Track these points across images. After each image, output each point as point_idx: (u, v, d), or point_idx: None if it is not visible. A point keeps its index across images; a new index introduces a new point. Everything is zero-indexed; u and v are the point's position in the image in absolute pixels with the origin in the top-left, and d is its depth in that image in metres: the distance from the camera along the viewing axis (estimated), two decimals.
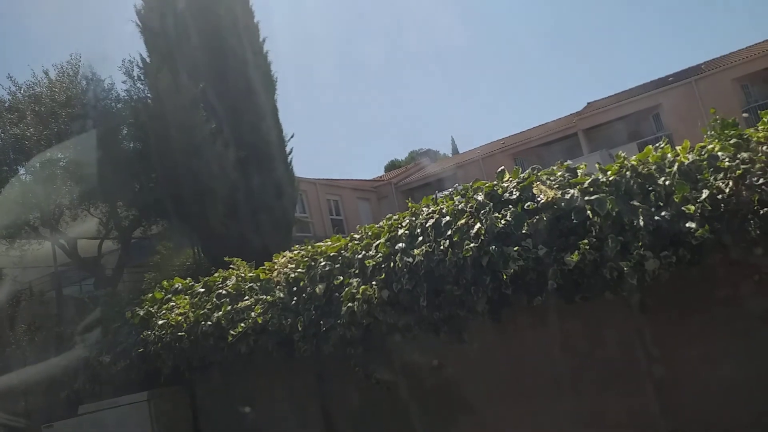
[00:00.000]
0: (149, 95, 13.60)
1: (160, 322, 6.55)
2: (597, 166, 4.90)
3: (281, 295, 6.03)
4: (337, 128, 78.82)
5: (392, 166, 48.98)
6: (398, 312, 5.20)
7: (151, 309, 6.94)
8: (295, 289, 6.11)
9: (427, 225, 5.20)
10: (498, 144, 33.18)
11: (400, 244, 5.29)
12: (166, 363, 6.49)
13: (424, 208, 5.60)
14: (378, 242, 5.60)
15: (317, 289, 5.81)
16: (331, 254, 6.14)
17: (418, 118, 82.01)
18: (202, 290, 6.70)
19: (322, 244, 6.51)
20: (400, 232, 5.45)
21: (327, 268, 5.94)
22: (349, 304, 5.42)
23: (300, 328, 5.70)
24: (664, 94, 27.23)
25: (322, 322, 5.61)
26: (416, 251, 5.03)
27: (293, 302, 5.96)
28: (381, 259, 5.35)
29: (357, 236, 6.16)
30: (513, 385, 5.15)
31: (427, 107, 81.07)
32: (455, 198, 5.34)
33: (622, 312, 4.61)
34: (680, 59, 58.90)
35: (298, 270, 6.23)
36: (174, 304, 6.70)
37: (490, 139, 39.65)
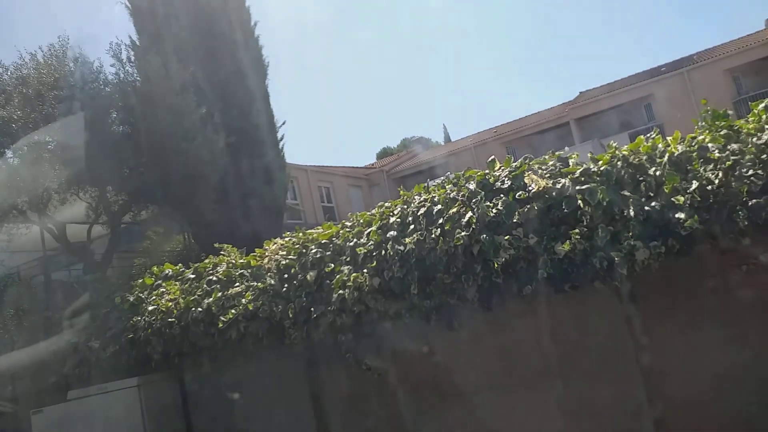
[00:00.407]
0: (138, 78, 13.43)
1: (151, 308, 6.51)
2: (589, 155, 4.91)
3: (272, 281, 6.01)
4: (329, 115, 78.47)
5: (384, 153, 48.87)
6: (389, 299, 5.21)
7: (141, 295, 6.90)
8: (286, 276, 6.09)
9: (418, 213, 5.19)
10: (490, 132, 33.19)
11: (392, 232, 5.29)
12: (156, 349, 6.45)
13: (416, 197, 5.60)
14: (369, 230, 5.59)
15: (308, 276, 5.80)
16: (323, 241, 6.13)
17: (410, 106, 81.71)
18: (193, 276, 6.68)
19: (313, 231, 6.50)
20: (392, 220, 5.45)
21: (318, 256, 5.92)
22: (340, 292, 5.41)
23: (291, 315, 5.69)
24: (656, 84, 27.31)
25: (312, 309, 5.60)
26: (408, 239, 5.03)
27: (284, 289, 5.94)
28: (372, 246, 5.35)
29: (348, 224, 6.16)
30: (503, 373, 5.20)
31: (419, 95, 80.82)
32: (447, 186, 5.34)
33: (611, 301, 4.64)
34: (673, 49, 59.11)
35: (290, 257, 6.22)
36: (164, 290, 6.66)
37: (482, 127, 39.61)
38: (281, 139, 15.50)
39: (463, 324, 5.23)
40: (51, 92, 11.69)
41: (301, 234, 6.48)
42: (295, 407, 6.27)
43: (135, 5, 13.60)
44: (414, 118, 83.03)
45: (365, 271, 5.30)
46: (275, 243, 6.67)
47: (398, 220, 5.37)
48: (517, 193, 4.65)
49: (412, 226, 5.21)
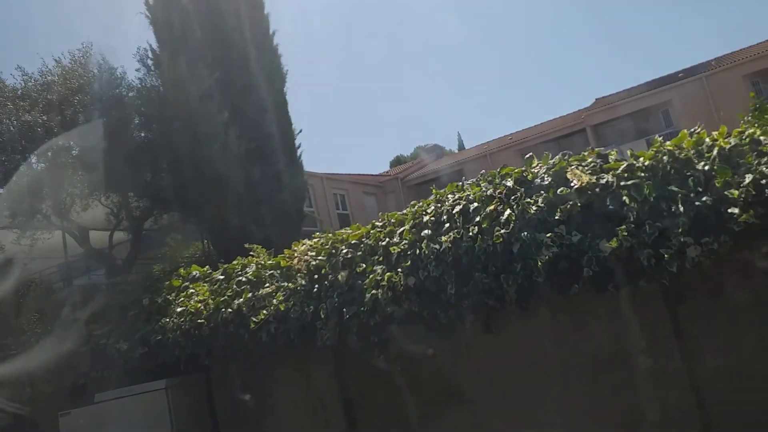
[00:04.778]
0: (159, 85, 13.50)
1: (179, 309, 6.47)
2: (629, 153, 4.81)
3: (303, 282, 5.95)
4: (342, 124, 78.71)
5: (397, 161, 48.88)
6: (424, 300, 5.12)
7: (168, 297, 6.87)
8: (316, 276, 6.02)
9: (453, 211, 5.11)
10: (506, 139, 33.10)
11: (426, 231, 5.20)
12: (185, 351, 6.41)
13: (449, 195, 5.52)
14: (402, 229, 5.51)
15: (339, 277, 5.73)
16: (353, 242, 6.07)
17: (423, 114, 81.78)
18: (222, 277, 6.63)
19: (342, 231, 6.43)
20: (426, 218, 5.37)
21: (349, 256, 5.86)
22: (373, 291, 5.33)
23: (322, 316, 5.62)
24: (673, 91, 27.08)
25: (344, 309, 5.52)
26: (444, 238, 4.94)
27: (315, 290, 5.87)
28: (407, 246, 5.27)
29: (379, 224, 6.08)
30: (542, 376, 5.05)
31: (433, 103, 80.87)
32: (482, 184, 5.25)
33: (655, 301, 4.52)
34: (688, 56, 58.68)
35: (319, 257, 6.15)
36: (193, 291, 6.62)
37: (496, 135, 39.52)
38: (299, 146, 15.55)
39: (500, 326, 5.13)
40: (75, 97, 11.76)
41: (330, 234, 6.42)
42: (325, 409, 6.18)
43: (155, 15, 13.67)
44: (427, 126, 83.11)
45: (399, 270, 5.21)
46: (304, 244, 6.61)
47: (432, 218, 5.28)
48: (558, 190, 4.55)
49: (447, 225, 5.12)
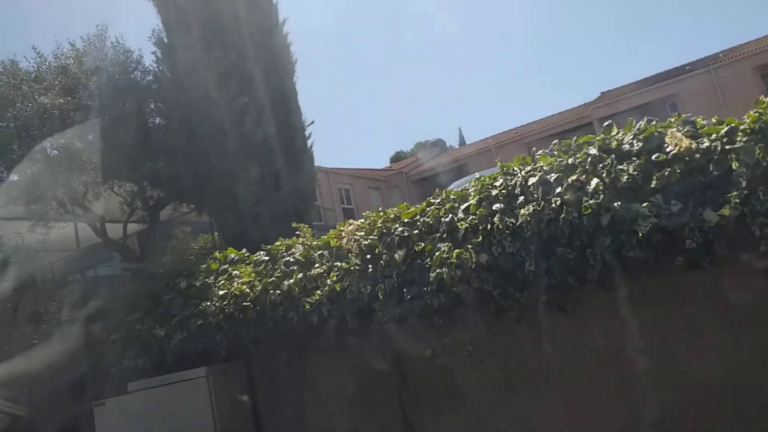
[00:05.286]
0: (170, 70, 13.10)
1: (221, 293, 6.12)
2: (714, 119, 4.50)
3: (357, 261, 5.61)
4: (340, 120, 78.15)
5: (398, 157, 48.64)
6: (496, 278, 4.79)
7: (206, 280, 6.52)
8: (368, 256, 5.69)
9: (529, 183, 4.78)
10: (510, 134, 32.86)
11: (498, 205, 4.88)
12: (227, 336, 6.07)
13: (516, 168, 5.21)
14: (467, 204, 5.17)
15: (396, 256, 5.39)
16: (406, 220, 5.75)
17: (423, 110, 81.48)
18: (267, 258, 6.28)
19: (391, 210, 6.12)
20: (494, 192, 5.04)
21: (405, 234, 5.53)
22: (438, 270, 5.00)
23: (381, 297, 5.29)
24: (681, 83, 26.86)
25: (405, 290, 5.19)
26: (522, 211, 4.61)
27: (369, 270, 5.55)
28: (476, 221, 4.94)
29: (436, 200, 5.77)
30: (626, 362, 4.70)
31: (433, 98, 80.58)
32: (557, 154, 4.94)
33: (756, 277, 4.21)
34: (692, 51, 58.52)
35: (371, 237, 5.82)
36: (237, 272, 6.26)
37: (497, 130, 39.25)
38: (309, 137, 15.19)
39: (577, 306, 4.81)
40: (91, 80, 11.34)
41: (382, 213, 6.09)
42: (378, 398, 5.84)
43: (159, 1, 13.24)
44: (427, 122, 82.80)
45: (469, 246, 4.89)
46: (351, 224, 6.28)
47: (504, 191, 4.96)
48: (654, 156, 4.23)
49: (521, 198, 4.79)
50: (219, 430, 6.00)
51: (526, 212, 4.57)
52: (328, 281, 5.55)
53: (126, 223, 12.71)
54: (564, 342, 4.95)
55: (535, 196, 4.67)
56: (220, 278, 6.41)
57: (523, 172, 4.94)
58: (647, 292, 4.52)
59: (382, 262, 5.51)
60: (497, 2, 66.86)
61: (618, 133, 4.74)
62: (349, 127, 79.06)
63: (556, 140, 5.18)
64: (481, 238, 4.82)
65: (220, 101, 12.86)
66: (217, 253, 7.05)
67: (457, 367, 5.38)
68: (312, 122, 14.50)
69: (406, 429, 5.69)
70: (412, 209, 5.88)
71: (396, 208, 6.16)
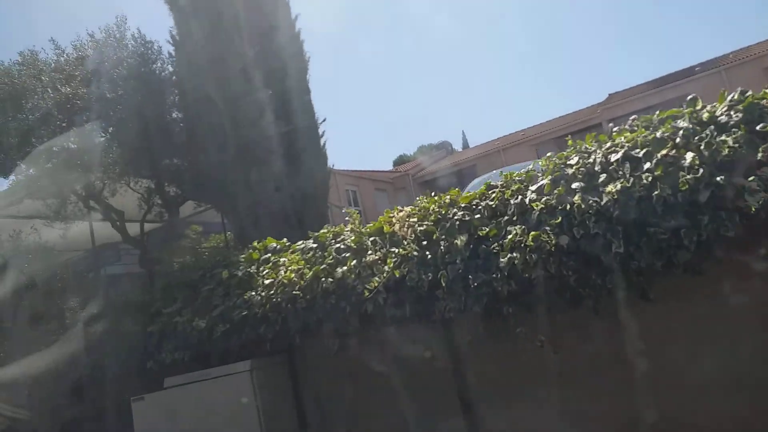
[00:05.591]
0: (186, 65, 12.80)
1: (267, 282, 5.78)
2: None
3: (415, 247, 5.29)
4: (343, 123, 77.98)
5: (401, 160, 48.46)
6: (577, 262, 4.48)
7: (249, 269, 6.18)
8: (425, 242, 5.38)
9: (612, 160, 4.48)
10: (517, 135, 32.68)
11: (578, 184, 4.57)
12: (273, 327, 5.73)
13: (590, 146, 4.92)
14: (539, 184, 4.86)
15: (458, 242, 5.08)
16: (464, 205, 5.44)
17: (426, 113, 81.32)
18: (315, 245, 5.95)
19: (446, 195, 5.82)
20: (570, 171, 4.73)
21: (467, 218, 5.22)
22: (510, 255, 4.69)
23: (443, 284, 4.97)
24: (691, 84, 26.63)
25: (470, 276, 4.87)
26: (609, 188, 4.30)
27: (429, 256, 5.23)
28: (554, 201, 4.63)
29: (498, 182, 5.47)
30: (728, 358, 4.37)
31: (436, 102, 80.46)
32: (640, 128, 4.64)
33: None
34: (699, 52, 58.34)
35: (426, 223, 5.52)
36: (284, 260, 5.93)
37: (501, 133, 39.14)
38: (322, 135, 14.91)
39: (661, 294, 4.48)
40: (115, 70, 10.99)
41: (435, 198, 5.79)
42: (436, 391, 5.50)
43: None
44: (429, 126, 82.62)
45: (547, 229, 4.57)
46: (402, 210, 5.98)
47: (582, 169, 4.65)
48: (759, 126, 3.94)
49: (603, 176, 4.49)
50: (265, 429, 5.64)
51: (614, 189, 4.26)
52: (386, 268, 5.23)
53: (143, 220, 12.35)
54: (646, 333, 4.62)
55: (621, 173, 4.36)
56: (265, 267, 6.08)
57: (602, 149, 4.64)
58: (743, 276, 4.21)
59: (442, 248, 5.20)
60: (500, 5, 66.79)
61: (703, 107, 4.44)
62: (352, 131, 78.82)
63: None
64: (560, 219, 4.50)
65: (240, 95, 12.61)
66: (255, 243, 6.71)
67: (525, 359, 5.06)
68: (324, 120, 14.25)
69: (467, 423, 5.36)
70: (470, 194, 5.58)
71: (449, 193, 5.87)
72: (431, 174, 33.37)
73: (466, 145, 49.13)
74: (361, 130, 78.93)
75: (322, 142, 14.95)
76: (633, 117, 4.85)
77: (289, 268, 5.70)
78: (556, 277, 4.56)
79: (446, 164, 33.33)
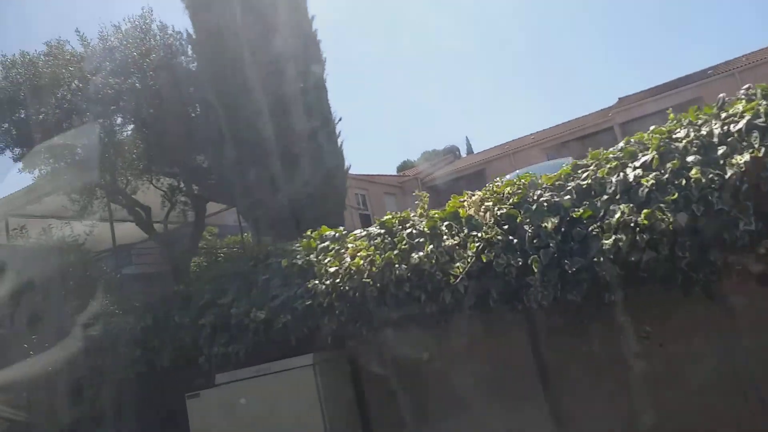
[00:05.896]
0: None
1: (332, 269, 5.37)
2: None
3: (499, 231, 4.89)
4: (345, 127, 77.55)
5: (404, 166, 48.17)
6: (695, 242, 4.07)
7: (308, 257, 5.76)
8: (506, 227, 4.98)
9: (733, 129, 4.10)
10: (528, 139, 32.42)
11: (693, 157, 4.19)
12: (338, 318, 5.31)
13: (696, 119, 4.55)
14: (645, 159, 4.46)
15: (549, 224, 4.68)
16: (547, 185, 5.06)
17: (429, 119, 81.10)
18: (382, 231, 5.54)
19: (523, 174, 5.47)
20: (681, 145, 4.35)
21: (555, 200, 4.83)
22: (615, 236, 4.28)
23: (535, 270, 4.56)
24: (705, 87, 26.40)
25: (566, 261, 4.47)
26: (736, 158, 3.91)
27: (514, 241, 4.82)
28: (668, 176, 4.23)
29: (583, 162, 5.10)
30: None
31: (440, 107, 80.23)
32: (756, 98, 4.27)
33: None
34: (708, 56, 58.31)
35: (505, 205, 5.12)
36: (351, 245, 5.51)
37: (506, 138, 38.99)
38: (339, 134, 14.59)
39: None
40: (144, 61, 10.59)
41: (514, 179, 5.41)
42: (520, 389, 5.07)
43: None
44: (432, 132, 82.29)
45: (662, 206, 4.17)
46: (474, 195, 5.59)
47: (696, 141, 4.26)
48: None
49: (722, 148, 4.11)
50: (329, 428, 5.20)
51: (741, 161, 3.87)
52: (469, 252, 4.82)
53: (167, 216, 11.95)
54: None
55: (744, 143, 3.98)
56: (327, 255, 5.66)
57: (720, 119, 4.26)
58: None
59: (529, 232, 4.79)
60: (504, 8, 66.73)
61: None
62: (354, 136, 78.46)
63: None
64: (675, 195, 4.11)
65: (267, 91, 12.25)
66: (308, 231, 6.29)
67: (619, 351, 4.65)
68: (340, 119, 13.90)
69: (556, 426, 4.94)
70: (553, 175, 5.19)
71: (520, 178, 5.49)
72: (439, 178, 33.05)
73: (470, 151, 48.84)
74: (364, 136, 78.65)
75: (339, 142, 14.60)
76: (747, 86, 4.47)
77: (358, 254, 5.28)
78: (668, 260, 4.16)
79: (455, 168, 33.09)
